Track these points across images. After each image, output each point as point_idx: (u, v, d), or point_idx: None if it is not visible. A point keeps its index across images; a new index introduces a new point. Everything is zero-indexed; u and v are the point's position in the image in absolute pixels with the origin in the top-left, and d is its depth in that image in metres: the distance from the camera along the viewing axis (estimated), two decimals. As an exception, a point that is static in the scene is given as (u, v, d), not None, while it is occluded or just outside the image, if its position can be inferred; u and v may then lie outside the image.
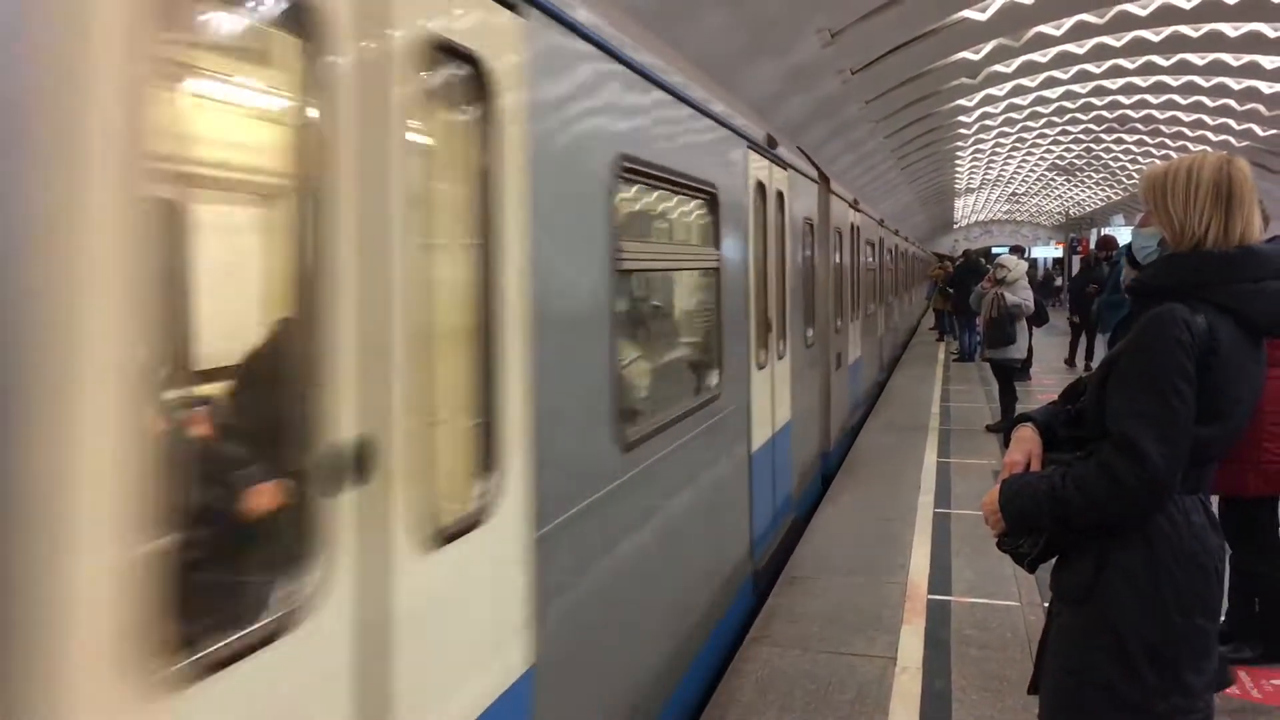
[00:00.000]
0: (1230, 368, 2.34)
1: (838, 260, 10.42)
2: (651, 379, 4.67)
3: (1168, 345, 2.30)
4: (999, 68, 22.72)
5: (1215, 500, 4.71)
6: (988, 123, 32.18)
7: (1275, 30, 20.24)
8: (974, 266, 19.30)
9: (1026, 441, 2.58)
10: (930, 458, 10.13)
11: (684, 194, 4.84)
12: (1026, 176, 52.75)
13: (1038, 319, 11.61)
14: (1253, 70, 23.99)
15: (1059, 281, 36.99)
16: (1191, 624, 2.34)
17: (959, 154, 38.31)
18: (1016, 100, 28.77)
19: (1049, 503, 2.39)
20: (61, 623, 1.25)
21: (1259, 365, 2.47)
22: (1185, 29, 21.04)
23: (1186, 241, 2.46)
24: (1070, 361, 17.14)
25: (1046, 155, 44.68)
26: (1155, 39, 21.89)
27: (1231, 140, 30.28)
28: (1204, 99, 28.09)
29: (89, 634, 1.28)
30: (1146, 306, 2.41)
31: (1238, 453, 3.80)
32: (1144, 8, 19.48)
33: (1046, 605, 2.73)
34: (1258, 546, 4.83)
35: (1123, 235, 18.75)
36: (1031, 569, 2.58)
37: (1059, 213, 61.11)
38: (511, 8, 2.63)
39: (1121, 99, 30.08)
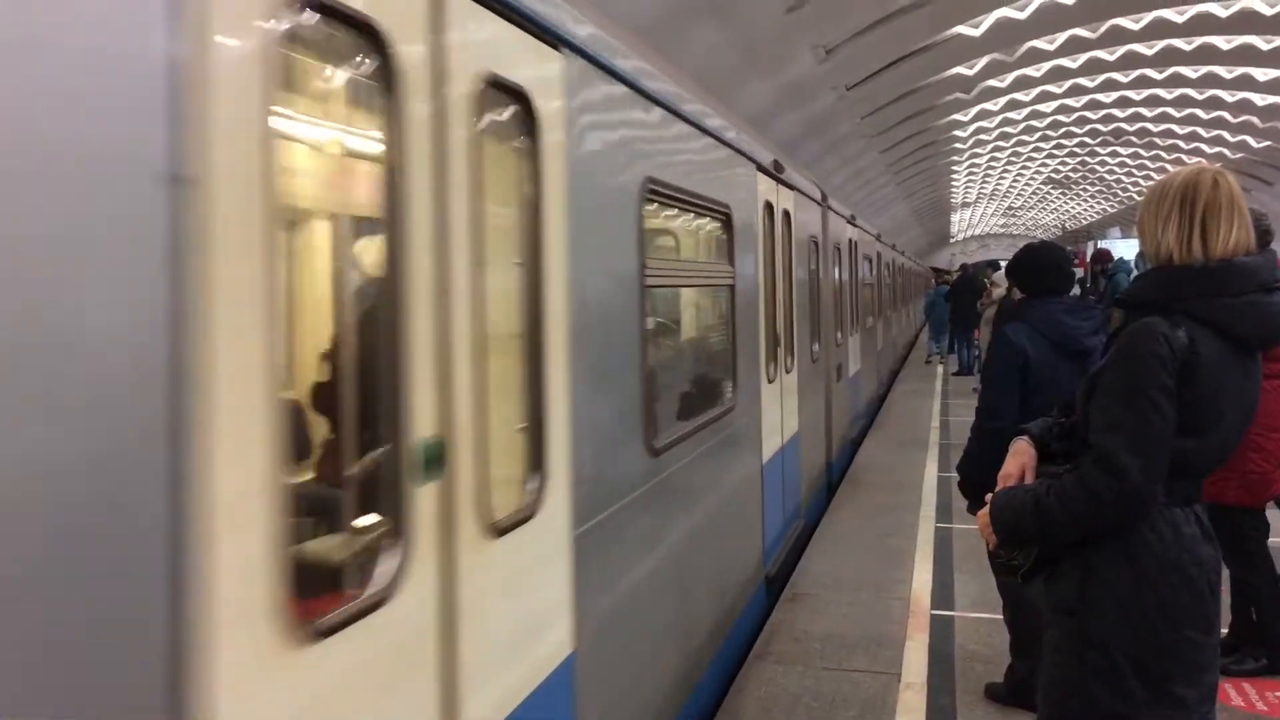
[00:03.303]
0: (1212, 382, 2.32)
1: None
2: None
3: (1145, 359, 2.29)
4: (993, 82, 22.87)
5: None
6: (983, 137, 32.37)
7: (1268, 43, 20.37)
8: (970, 282, 19.24)
9: (1021, 454, 2.58)
10: (931, 472, 10.09)
11: None
12: (1022, 190, 52.97)
13: None
14: (1246, 83, 24.15)
15: None
16: (1180, 636, 2.32)
17: (954, 169, 38.50)
18: (1011, 115, 28.95)
19: (1033, 515, 2.39)
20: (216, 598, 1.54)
21: (1249, 379, 2.43)
22: (1178, 42, 21.19)
23: (1151, 251, 2.47)
24: None
25: (1042, 169, 44.91)
26: (1149, 53, 22.05)
27: (1226, 152, 30.44)
28: (1198, 111, 28.26)
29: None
30: (1131, 320, 2.42)
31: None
32: (1137, 21, 19.63)
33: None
34: (1244, 556, 4.80)
35: (1118, 248, 18.75)
36: (1025, 581, 2.57)
37: (1055, 226, 61.36)
38: None
39: (1116, 112, 30.27)
